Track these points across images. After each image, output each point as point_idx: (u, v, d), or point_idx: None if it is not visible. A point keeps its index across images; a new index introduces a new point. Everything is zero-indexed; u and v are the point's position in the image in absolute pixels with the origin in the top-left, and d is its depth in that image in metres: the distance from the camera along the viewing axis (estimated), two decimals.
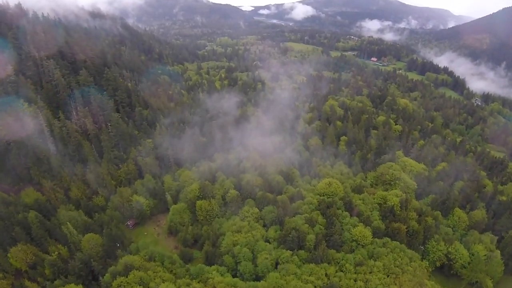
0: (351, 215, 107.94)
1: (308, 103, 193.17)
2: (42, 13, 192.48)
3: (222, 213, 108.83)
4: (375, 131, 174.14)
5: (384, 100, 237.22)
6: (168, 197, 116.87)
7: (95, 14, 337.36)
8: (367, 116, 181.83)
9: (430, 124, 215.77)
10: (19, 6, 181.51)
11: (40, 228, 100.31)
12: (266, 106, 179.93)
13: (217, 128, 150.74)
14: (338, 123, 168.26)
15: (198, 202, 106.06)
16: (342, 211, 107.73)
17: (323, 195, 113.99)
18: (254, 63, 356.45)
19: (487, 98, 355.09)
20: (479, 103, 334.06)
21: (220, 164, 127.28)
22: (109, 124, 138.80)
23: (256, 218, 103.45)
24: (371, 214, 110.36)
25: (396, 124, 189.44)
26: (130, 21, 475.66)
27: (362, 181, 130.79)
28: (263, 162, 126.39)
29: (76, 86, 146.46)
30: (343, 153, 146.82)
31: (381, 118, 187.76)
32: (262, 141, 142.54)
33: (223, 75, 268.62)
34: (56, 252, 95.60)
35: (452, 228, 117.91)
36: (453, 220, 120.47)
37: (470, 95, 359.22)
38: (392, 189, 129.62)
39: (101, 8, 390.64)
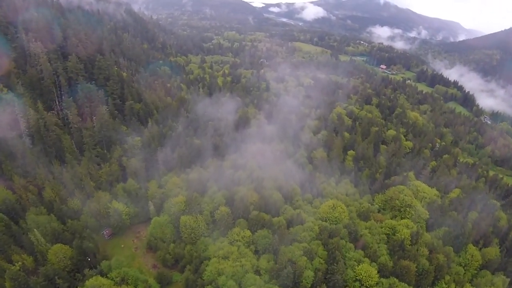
0: (355, 247, 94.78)
1: (314, 109, 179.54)
2: None
3: (209, 232, 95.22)
4: (385, 147, 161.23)
5: (394, 111, 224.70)
6: (151, 207, 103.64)
7: None
8: (376, 129, 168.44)
9: (439, 141, 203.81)
10: None
11: (4, 233, 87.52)
12: (269, 109, 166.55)
13: (214, 130, 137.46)
14: (346, 134, 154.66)
15: (183, 218, 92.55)
16: (346, 242, 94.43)
17: (326, 221, 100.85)
18: (260, 60, 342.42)
19: (496, 116, 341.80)
20: (488, 121, 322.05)
21: (212, 172, 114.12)
22: (94, 117, 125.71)
23: (247, 243, 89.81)
24: (378, 248, 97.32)
25: (406, 140, 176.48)
26: (139, 8, 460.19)
27: (369, 205, 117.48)
28: (260, 174, 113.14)
29: (63, 73, 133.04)
30: (350, 169, 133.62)
31: (391, 132, 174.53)
32: (261, 149, 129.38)
33: (226, 71, 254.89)
34: (20, 263, 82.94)
35: (464, 267, 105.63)
36: (466, 258, 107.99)
37: (479, 112, 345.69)
38: (401, 217, 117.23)
39: None
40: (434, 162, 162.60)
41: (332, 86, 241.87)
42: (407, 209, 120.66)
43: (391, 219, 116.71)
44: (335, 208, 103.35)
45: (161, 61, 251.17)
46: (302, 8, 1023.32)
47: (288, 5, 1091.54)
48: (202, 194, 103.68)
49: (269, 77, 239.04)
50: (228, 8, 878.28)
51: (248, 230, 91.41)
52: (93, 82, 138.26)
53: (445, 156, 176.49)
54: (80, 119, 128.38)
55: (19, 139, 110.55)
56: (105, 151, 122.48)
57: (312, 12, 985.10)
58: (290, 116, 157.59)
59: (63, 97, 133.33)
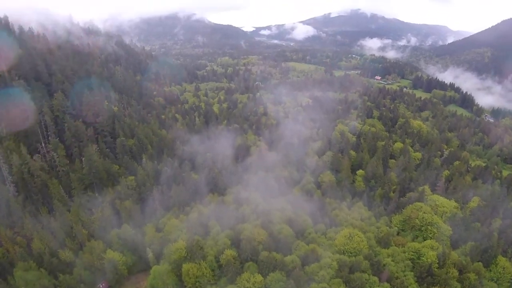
0: (380, 280, 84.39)
1: (316, 129, 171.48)
2: (20, 26, 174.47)
3: (215, 280, 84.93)
4: (393, 161, 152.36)
5: (396, 122, 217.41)
6: (150, 254, 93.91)
7: (90, 31, 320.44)
8: (383, 143, 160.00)
9: (445, 147, 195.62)
10: None
11: None
12: (268, 135, 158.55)
13: (212, 162, 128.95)
14: (352, 153, 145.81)
15: (185, 266, 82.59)
16: (369, 276, 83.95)
17: (344, 253, 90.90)
18: (256, 83, 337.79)
19: (497, 113, 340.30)
20: (490, 119, 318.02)
21: (214, 210, 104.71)
22: (83, 158, 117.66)
23: None
24: (405, 277, 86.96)
25: (414, 151, 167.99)
26: (132, 40, 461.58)
27: (388, 228, 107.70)
28: (266, 207, 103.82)
29: (49, 112, 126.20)
30: (361, 190, 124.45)
31: (398, 145, 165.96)
32: (264, 178, 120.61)
33: (222, 97, 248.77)
34: None
35: (496, 282, 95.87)
36: (497, 271, 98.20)
37: (480, 111, 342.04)
38: (423, 237, 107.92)
39: (100, 26, 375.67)
40: (447, 171, 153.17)
41: (330, 103, 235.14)
42: (429, 227, 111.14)
43: (413, 240, 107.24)
44: (352, 237, 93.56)
45: (154, 92, 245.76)
46: (292, 29, 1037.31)
47: (278, 26, 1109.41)
48: (204, 237, 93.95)
49: (266, 100, 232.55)
50: (219, 34, 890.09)
51: (259, 274, 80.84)
52: (81, 119, 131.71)
53: (456, 162, 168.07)
54: (68, 161, 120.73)
55: (3, 186, 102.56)
56: (97, 194, 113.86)
57: (302, 31, 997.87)
58: (291, 140, 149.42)
59: (49, 137, 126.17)
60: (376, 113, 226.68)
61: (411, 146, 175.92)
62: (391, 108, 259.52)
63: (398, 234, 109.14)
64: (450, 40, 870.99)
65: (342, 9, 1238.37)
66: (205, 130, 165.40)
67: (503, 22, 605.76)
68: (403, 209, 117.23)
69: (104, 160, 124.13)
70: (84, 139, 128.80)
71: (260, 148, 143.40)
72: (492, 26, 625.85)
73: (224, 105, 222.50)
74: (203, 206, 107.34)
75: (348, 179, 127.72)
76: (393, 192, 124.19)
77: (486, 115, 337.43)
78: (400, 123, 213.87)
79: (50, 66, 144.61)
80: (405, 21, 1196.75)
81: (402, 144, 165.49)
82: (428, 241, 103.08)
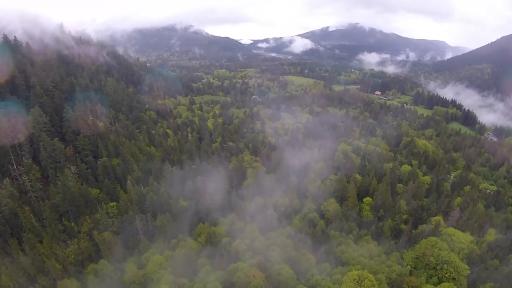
0: None
1: (317, 149, 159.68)
2: (5, 35, 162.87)
3: None
4: (401, 186, 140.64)
5: (401, 141, 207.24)
6: None
7: (81, 40, 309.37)
8: (391, 165, 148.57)
9: (451, 167, 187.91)
10: None
11: None
12: (266, 154, 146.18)
13: (203, 186, 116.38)
14: (358, 177, 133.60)
15: None
16: None
17: None
18: (253, 97, 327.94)
19: (500, 131, 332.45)
20: (493, 138, 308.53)
21: (204, 244, 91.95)
22: (58, 182, 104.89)
23: None
24: None
25: (422, 174, 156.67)
26: (127, 50, 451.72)
27: (399, 266, 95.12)
28: (263, 242, 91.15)
29: (23, 130, 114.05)
30: (369, 221, 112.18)
31: (406, 168, 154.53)
32: (262, 206, 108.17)
33: (217, 112, 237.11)
34: None
35: None
36: None
37: (483, 129, 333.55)
38: (438, 276, 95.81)
39: (94, 36, 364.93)
40: (459, 198, 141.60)
41: (331, 119, 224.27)
42: (445, 266, 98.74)
43: (427, 281, 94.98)
44: (361, 281, 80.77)
45: (146, 106, 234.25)
46: (290, 42, 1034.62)
47: (276, 39, 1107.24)
48: (191, 277, 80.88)
49: (263, 115, 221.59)
50: (217, 46, 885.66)
51: None
52: (59, 137, 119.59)
53: (467, 188, 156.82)
54: (42, 185, 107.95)
55: None
56: (73, 223, 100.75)
57: (300, 44, 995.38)
58: (291, 161, 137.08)
59: (23, 158, 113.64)
60: (379, 131, 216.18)
61: (418, 168, 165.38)
62: (394, 125, 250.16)
63: (411, 273, 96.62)
64: (448, 55, 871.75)
65: (340, 23, 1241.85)
66: (197, 148, 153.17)
67: (503, 38, 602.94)
68: (416, 243, 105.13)
69: (82, 184, 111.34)
70: (62, 159, 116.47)
71: (257, 170, 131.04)
72: (492, 42, 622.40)
73: (219, 120, 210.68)
74: (192, 239, 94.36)
75: (355, 208, 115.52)
76: (404, 224, 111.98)
77: (489, 134, 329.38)
78: (405, 142, 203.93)
79: (29, 78, 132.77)
80: (403, 35, 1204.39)
81: (410, 167, 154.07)
82: (446, 285, 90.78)
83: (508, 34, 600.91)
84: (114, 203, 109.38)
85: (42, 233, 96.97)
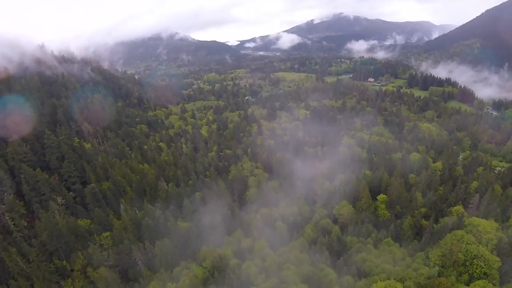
0: None
1: (320, 146, 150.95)
2: None
3: None
4: (413, 176, 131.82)
5: (404, 127, 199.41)
6: None
7: (65, 59, 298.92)
8: (399, 155, 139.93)
9: (455, 148, 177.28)
10: None
11: None
12: (267, 159, 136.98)
13: (204, 203, 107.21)
14: (368, 173, 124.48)
15: None
16: None
17: None
18: (246, 98, 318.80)
19: (498, 105, 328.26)
20: (493, 112, 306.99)
21: (210, 267, 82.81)
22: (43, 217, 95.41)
23: None
24: None
25: (433, 160, 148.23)
26: (113, 64, 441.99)
27: (427, 268, 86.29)
28: (275, 259, 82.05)
29: (1, 163, 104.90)
30: (387, 221, 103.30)
31: (415, 155, 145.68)
32: (269, 218, 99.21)
33: (210, 118, 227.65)
34: None
35: None
36: None
37: (482, 105, 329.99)
38: (469, 274, 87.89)
39: (78, 53, 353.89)
40: (475, 182, 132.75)
41: (329, 112, 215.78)
42: (475, 261, 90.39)
43: (457, 280, 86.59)
44: None
45: (137, 119, 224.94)
46: (277, 38, 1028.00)
47: (263, 37, 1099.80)
48: None
49: (259, 116, 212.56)
50: (204, 51, 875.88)
51: None
52: (42, 167, 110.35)
53: (480, 169, 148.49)
54: (27, 222, 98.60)
55: None
56: (64, 262, 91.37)
57: (287, 40, 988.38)
58: (294, 164, 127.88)
59: (5, 194, 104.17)
60: (380, 119, 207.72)
61: (426, 154, 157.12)
62: (394, 111, 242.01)
63: (439, 274, 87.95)
64: (435, 35, 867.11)
65: (324, 14, 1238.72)
66: (193, 160, 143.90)
67: (487, 11, 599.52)
68: (440, 239, 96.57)
69: (72, 215, 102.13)
70: (47, 191, 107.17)
71: (259, 177, 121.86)
72: (477, 17, 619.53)
73: (214, 127, 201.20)
74: (196, 264, 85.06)
75: (369, 208, 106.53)
76: (425, 219, 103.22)
77: (488, 108, 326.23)
78: (408, 128, 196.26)
79: (3, 107, 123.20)
80: (389, 20, 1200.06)
81: (419, 155, 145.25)
82: (480, 283, 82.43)
83: (492, 7, 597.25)
84: (107, 233, 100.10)
85: (32, 277, 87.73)
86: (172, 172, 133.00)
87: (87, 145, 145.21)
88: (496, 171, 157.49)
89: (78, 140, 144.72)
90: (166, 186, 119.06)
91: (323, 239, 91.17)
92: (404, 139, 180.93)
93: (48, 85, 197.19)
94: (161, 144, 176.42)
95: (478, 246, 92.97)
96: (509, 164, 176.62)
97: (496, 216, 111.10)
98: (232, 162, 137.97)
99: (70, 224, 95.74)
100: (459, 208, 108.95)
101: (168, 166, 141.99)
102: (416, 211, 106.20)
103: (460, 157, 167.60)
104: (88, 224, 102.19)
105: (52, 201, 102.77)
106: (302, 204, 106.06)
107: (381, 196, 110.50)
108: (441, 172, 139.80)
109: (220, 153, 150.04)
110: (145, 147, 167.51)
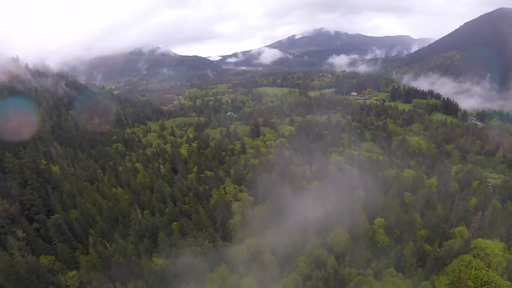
0: None
1: (307, 165, 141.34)
2: None
3: None
4: (409, 195, 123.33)
5: (392, 141, 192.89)
6: None
7: (40, 73, 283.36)
8: (392, 172, 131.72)
9: (448, 161, 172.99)
10: None
11: None
12: (252, 182, 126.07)
13: (181, 235, 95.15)
14: (362, 194, 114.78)
15: None
16: None
17: None
18: (228, 114, 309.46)
19: (482, 115, 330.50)
20: (477, 122, 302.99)
21: None
22: None
23: None
24: None
25: (427, 177, 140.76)
26: (91, 80, 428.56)
27: None
28: None
29: None
30: (387, 247, 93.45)
31: (409, 172, 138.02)
32: (256, 250, 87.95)
33: (191, 135, 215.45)
34: None
35: None
36: None
37: (466, 116, 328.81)
38: None
39: (56, 67, 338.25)
40: (474, 198, 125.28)
41: (314, 128, 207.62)
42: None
43: None
44: None
45: (114, 137, 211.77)
46: (259, 53, 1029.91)
47: (245, 52, 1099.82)
48: None
49: (241, 133, 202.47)
50: (186, 66, 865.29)
51: None
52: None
53: (475, 183, 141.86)
54: None
55: None
56: None
57: (269, 55, 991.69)
58: (281, 186, 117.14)
59: None
60: (368, 134, 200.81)
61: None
62: (380, 125, 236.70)
63: None
64: (414, 48, 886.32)
65: (305, 29, 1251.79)
66: (170, 186, 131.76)
67: (466, 24, 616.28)
68: (446, 265, 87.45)
69: (31, 254, 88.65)
70: (6, 222, 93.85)
71: (243, 203, 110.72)
72: (456, 30, 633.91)
73: (194, 145, 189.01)
74: None
75: (367, 234, 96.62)
76: (427, 243, 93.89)
77: (472, 119, 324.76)
78: (396, 142, 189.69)
79: None
80: (368, 35, 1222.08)
81: (413, 172, 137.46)
82: None
83: (470, 19, 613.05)
84: (73, 272, 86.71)
85: None
86: (147, 198, 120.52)
87: (55, 168, 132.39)
88: (489, 184, 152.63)
89: (45, 162, 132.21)
90: (140, 215, 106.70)
91: (319, 273, 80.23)
92: (393, 154, 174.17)
93: (18, 99, 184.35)
94: (137, 164, 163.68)
95: (488, 271, 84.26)
96: (500, 175, 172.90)
97: (500, 235, 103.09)
98: (213, 186, 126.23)
99: (31, 263, 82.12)
100: (462, 228, 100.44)
101: (144, 190, 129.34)
102: (417, 235, 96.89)
103: (453, 171, 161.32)
104: (52, 261, 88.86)
105: (10, 236, 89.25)
106: (292, 233, 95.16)
107: (379, 220, 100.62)
108: (437, 189, 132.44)
109: (201, 175, 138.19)
110: (120, 168, 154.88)
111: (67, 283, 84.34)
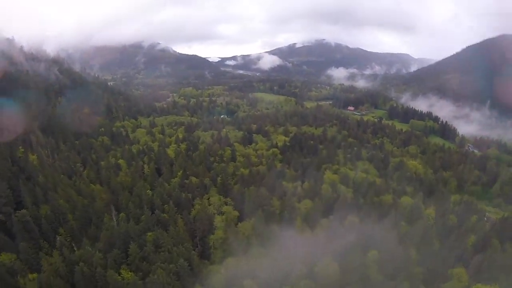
0: None
1: (300, 181, 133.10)
2: None
3: None
4: (404, 225, 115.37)
5: (389, 163, 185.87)
6: None
7: (32, 56, 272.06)
8: (389, 200, 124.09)
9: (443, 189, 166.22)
10: None
11: None
12: (239, 193, 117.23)
13: (155, 248, 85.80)
14: (354, 220, 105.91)
15: None
16: None
17: None
18: (221, 116, 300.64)
19: (480, 143, 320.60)
20: (474, 150, 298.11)
21: None
22: None
23: None
24: None
25: (425, 207, 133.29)
26: (86, 68, 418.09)
27: None
28: None
29: None
30: (379, 283, 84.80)
31: (407, 199, 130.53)
32: (235, 273, 79.05)
33: (180, 135, 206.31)
34: None
35: None
36: None
37: (463, 141, 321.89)
38: None
39: (53, 53, 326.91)
40: (472, 236, 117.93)
41: (309, 140, 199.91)
42: None
43: None
44: None
45: (102, 129, 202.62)
46: (258, 58, 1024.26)
47: (244, 56, 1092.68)
48: None
49: (233, 139, 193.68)
50: (184, 64, 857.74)
51: None
52: None
53: (474, 218, 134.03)
54: None
55: None
56: None
57: (268, 61, 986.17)
58: (270, 202, 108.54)
59: None
60: (364, 153, 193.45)
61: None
62: (377, 144, 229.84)
63: None
64: (413, 68, 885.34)
65: (307, 39, 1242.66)
66: (151, 188, 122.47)
67: (469, 47, 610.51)
68: None
69: None
70: None
71: (227, 217, 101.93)
72: (457, 53, 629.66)
73: (183, 146, 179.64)
74: None
75: (359, 268, 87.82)
76: (423, 283, 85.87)
77: (469, 146, 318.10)
78: (393, 164, 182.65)
79: None
80: (369, 50, 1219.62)
81: (411, 200, 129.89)
82: None
83: (473, 44, 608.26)
84: (34, 275, 77.49)
85: None
86: (125, 200, 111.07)
87: (33, 157, 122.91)
88: (486, 218, 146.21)
89: (23, 150, 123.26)
90: (114, 218, 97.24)
91: None
92: (390, 177, 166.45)
93: (6, 81, 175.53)
94: (121, 161, 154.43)
95: None
96: (496, 209, 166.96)
97: (500, 281, 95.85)
98: (197, 194, 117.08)
99: None
100: (460, 271, 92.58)
101: (123, 190, 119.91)
102: (412, 273, 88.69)
103: (451, 201, 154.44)
104: (12, 260, 79.25)
105: None
106: (277, 257, 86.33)
107: (372, 253, 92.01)
108: (435, 221, 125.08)
109: (185, 180, 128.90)
110: (102, 163, 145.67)
111: (26, 287, 75.12)
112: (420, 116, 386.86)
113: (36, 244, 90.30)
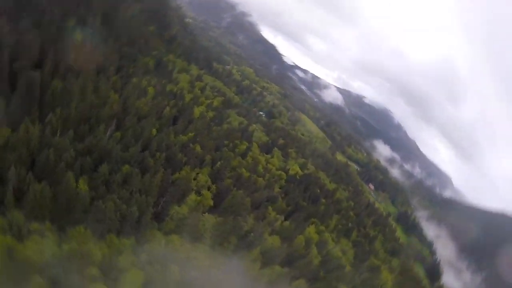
0: None
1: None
2: None
3: None
4: None
5: (367, 258, 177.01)
6: None
7: None
8: None
9: None
10: None
11: None
12: (225, 191, 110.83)
13: None
14: None
15: None
16: None
17: None
18: (260, 113, 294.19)
19: None
20: None
21: None
22: None
23: None
24: None
25: None
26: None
27: None
28: None
29: None
30: None
31: None
32: None
33: (215, 104, 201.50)
34: None
35: None
36: None
37: None
38: None
39: None
40: None
41: (317, 188, 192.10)
42: None
43: None
44: None
45: (155, 52, 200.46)
46: (325, 87, 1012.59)
47: (314, 76, 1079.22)
48: None
49: (255, 139, 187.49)
50: (261, 47, 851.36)
51: None
52: None
53: None
54: None
55: None
56: None
57: (332, 95, 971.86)
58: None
59: None
60: (354, 235, 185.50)
61: None
62: (370, 235, 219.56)
63: None
64: (447, 193, 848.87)
65: (376, 99, 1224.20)
66: (160, 131, 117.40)
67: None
68: None
69: None
70: None
71: (202, 202, 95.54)
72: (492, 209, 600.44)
73: (210, 114, 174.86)
74: None
75: None
76: None
77: None
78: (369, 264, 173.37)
79: None
80: (421, 149, 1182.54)
81: None
82: None
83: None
84: None
85: None
86: (130, 124, 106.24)
87: None
88: None
89: None
90: (108, 133, 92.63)
91: None
92: None
93: None
94: (150, 89, 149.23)
95: None
96: None
97: None
98: (191, 163, 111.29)
99: None
100: None
101: (133, 116, 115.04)
102: None
103: None
104: None
105: None
106: None
107: None
108: None
109: (191, 144, 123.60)
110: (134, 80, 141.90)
111: None
112: (422, 238, 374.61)
113: None
